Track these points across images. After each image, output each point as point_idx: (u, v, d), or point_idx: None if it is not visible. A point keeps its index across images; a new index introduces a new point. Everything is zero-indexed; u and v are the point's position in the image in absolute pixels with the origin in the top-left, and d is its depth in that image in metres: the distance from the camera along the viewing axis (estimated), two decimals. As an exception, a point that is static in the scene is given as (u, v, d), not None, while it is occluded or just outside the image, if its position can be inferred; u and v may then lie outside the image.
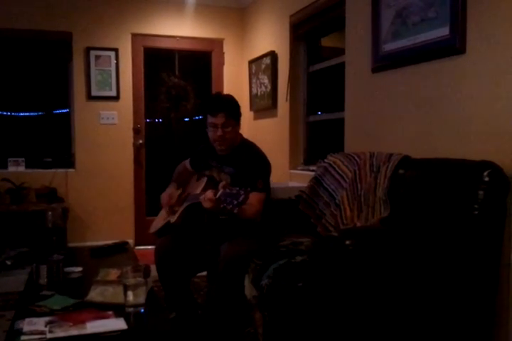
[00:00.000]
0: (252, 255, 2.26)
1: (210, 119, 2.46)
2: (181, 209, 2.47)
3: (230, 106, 2.48)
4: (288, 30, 4.01)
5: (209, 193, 2.18)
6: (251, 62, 4.78)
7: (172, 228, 2.50)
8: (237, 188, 2.07)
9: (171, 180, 2.82)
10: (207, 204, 2.17)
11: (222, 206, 2.07)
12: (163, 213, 2.70)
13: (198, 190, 2.44)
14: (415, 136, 2.48)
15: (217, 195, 2.11)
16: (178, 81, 4.96)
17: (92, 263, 2.46)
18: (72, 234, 4.21)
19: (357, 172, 2.48)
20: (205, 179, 2.51)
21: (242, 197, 2.03)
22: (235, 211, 2.05)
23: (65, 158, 4.71)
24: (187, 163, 2.80)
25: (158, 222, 2.67)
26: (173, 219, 2.48)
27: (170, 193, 2.66)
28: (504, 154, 1.93)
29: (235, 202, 2.03)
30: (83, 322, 1.60)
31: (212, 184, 2.44)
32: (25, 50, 4.56)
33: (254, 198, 2.27)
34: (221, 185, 2.17)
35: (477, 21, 2.08)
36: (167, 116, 5.07)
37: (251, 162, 2.44)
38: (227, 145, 2.50)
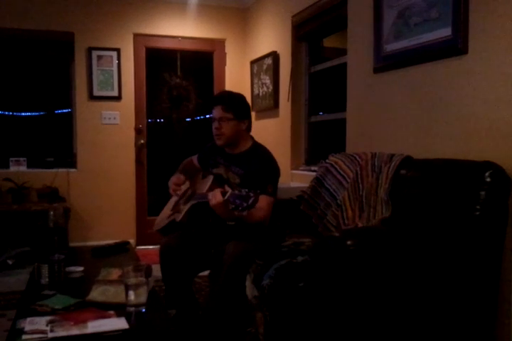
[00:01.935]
0: (256, 255, 2.25)
1: (212, 113, 2.50)
2: (187, 207, 2.44)
3: (228, 100, 2.49)
4: (290, 30, 4.01)
5: (217, 192, 2.14)
6: (253, 63, 4.78)
7: (177, 226, 2.49)
8: (246, 190, 2.03)
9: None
10: (213, 202, 2.14)
11: (231, 208, 2.04)
12: (166, 211, 2.69)
13: (204, 189, 2.42)
14: (417, 137, 2.48)
15: (226, 197, 2.07)
16: (180, 81, 4.97)
17: (93, 262, 2.46)
18: (73, 234, 4.22)
19: (358, 172, 2.48)
20: (211, 177, 2.49)
21: (252, 199, 1.98)
22: (244, 213, 2.03)
23: (67, 158, 4.72)
24: (194, 158, 2.79)
25: (162, 219, 2.66)
26: (178, 217, 2.47)
27: (177, 177, 2.60)
28: (506, 155, 1.93)
29: (245, 205, 1.99)
30: (84, 321, 1.60)
31: (218, 183, 2.42)
32: (27, 50, 4.57)
33: (264, 202, 2.22)
34: (228, 187, 2.15)
35: (479, 22, 2.08)
36: (169, 116, 5.07)
37: (262, 165, 2.42)
38: (224, 141, 2.49)
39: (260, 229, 2.38)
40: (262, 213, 2.26)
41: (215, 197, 2.14)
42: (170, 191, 2.62)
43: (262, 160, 2.46)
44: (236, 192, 2.05)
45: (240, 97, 2.57)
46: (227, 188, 2.17)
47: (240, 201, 2.00)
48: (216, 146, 2.61)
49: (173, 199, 2.69)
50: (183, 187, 2.60)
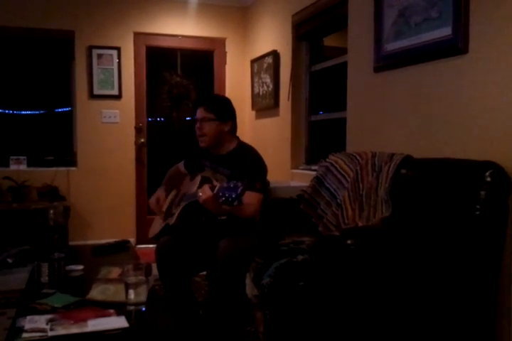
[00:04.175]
0: (252, 251, 2.26)
1: (196, 115, 2.53)
2: (179, 210, 2.45)
3: (210, 101, 2.54)
4: (290, 29, 4.01)
5: (206, 188, 2.16)
6: (253, 62, 4.78)
7: (171, 230, 2.49)
8: (234, 181, 2.05)
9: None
10: (203, 198, 2.16)
11: (221, 201, 2.05)
12: (159, 218, 2.69)
13: (194, 189, 2.43)
14: (417, 136, 2.48)
15: (215, 191, 2.09)
16: (180, 80, 4.96)
17: (93, 261, 2.47)
18: (73, 233, 4.22)
19: (359, 171, 2.48)
20: (199, 177, 2.50)
21: (241, 188, 2.00)
22: (235, 204, 2.04)
23: (67, 157, 4.72)
24: (180, 165, 2.82)
25: (156, 226, 2.66)
26: (171, 221, 2.47)
27: (157, 197, 2.64)
28: (506, 154, 1.93)
29: (234, 195, 2.00)
30: (84, 320, 1.60)
31: (207, 182, 2.43)
32: (27, 49, 4.57)
33: (254, 197, 2.29)
34: (216, 182, 2.16)
35: (480, 21, 2.08)
36: (169, 115, 5.07)
37: (249, 164, 2.44)
38: (207, 143, 2.52)
39: (251, 224, 2.39)
40: (253, 208, 2.30)
41: (204, 192, 2.16)
42: (153, 210, 2.66)
43: (248, 159, 2.47)
44: (224, 184, 2.07)
45: (223, 99, 2.60)
46: (215, 183, 2.18)
47: (230, 192, 2.01)
48: (201, 149, 2.62)
49: (165, 206, 2.69)
50: (166, 202, 2.64)
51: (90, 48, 4.61)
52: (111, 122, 4.72)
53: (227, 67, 5.15)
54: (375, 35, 2.75)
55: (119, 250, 2.71)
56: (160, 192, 2.69)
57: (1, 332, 1.55)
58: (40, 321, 1.60)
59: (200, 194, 2.19)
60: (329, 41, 3.99)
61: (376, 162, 2.42)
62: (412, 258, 1.80)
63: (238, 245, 2.24)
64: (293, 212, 2.77)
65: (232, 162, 2.48)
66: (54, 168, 4.54)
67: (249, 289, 2.19)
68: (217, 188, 2.08)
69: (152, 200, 2.66)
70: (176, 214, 2.44)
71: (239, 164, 2.44)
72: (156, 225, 2.67)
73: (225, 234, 2.34)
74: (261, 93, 4.58)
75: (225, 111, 2.53)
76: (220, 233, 2.38)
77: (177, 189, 2.70)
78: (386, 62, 2.69)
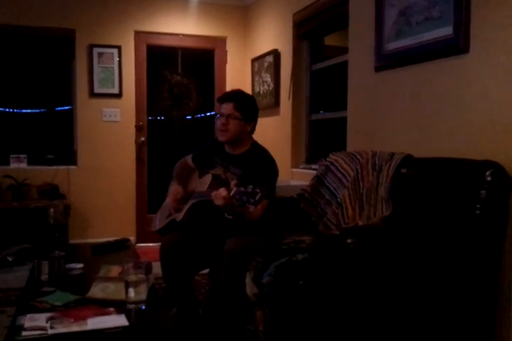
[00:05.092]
0: (257, 251, 2.26)
1: (220, 108, 2.51)
2: (187, 206, 2.44)
3: (241, 100, 2.53)
4: (291, 28, 4.01)
5: (222, 191, 2.15)
6: (254, 61, 4.78)
7: (177, 226, 2.49)
8: (251, 186, 2.05)
9: (171, 177, 2.79)
10: (219, 202, 2.16)
11: (237, 204, 2.05)
12: (163, 211, 2.68)
13: (204, 188, 2.42)
14: (418, 135, 2.48)
15: (232, 193, 2.08)
16: (181, 79, 4.96)
17: (93, 259, 2.46)
18: (73, 231, 4.23)
19: (359, 171, 2.48)
20: (209, 176, 2.49)
21: (259, 195, 2.00)
22: (251, 210, 2.04)
23: (67, 155, 4.72)
24: (188, 158, 2.78)
25: (160, 220, 2.66)
26: (178, 217, 2.47)
27: (175, 189, 2.59)
28: (507, 154, 1.93)
29: (252, 201, 2.00)
30: (84, 318, 1.60)
31: (218, 182, 2.42)
32: (28, 47, 4.57)
33: (259, 204, 2.26)
34: (233, 183, 2.15)
35: (481, 21, 2.08)
36: (169, 114, 5.07)
37: (260, 168, 2.43)
38: (228, 137, 2.49)
39: (257, 224, 2.39)
40: (257, 214, 2.30)
41: (221, 194, 2.14)
42: (171, 204, 2.58)
43: (261, 162, 2.46)
44: (242, 189, 2.06)
45: (252, 100, 2.61)
46: (232, 185, 2.17)
47: (247, 197, 2.01)
48: (214, 146, 2.61)
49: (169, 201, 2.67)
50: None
51: (91, 47, 4.61)
52: (111, 121, 4.72)
53: (228, 66, 5.15)
54: (376, 35, 2.75)
55: (119, 248, 2.70)
56: (175, 186, 2.62)
57: (1, 330, 1.56)
58: (40, 319, 1.60)
59: (215, 194, 2.17)
60: (330, 40, 3.99)
61: (376, 161, 2.43)
62: (412, 257, 1.80)
63: (245, 244, 2.24)
64: (293, 211, 2.77)
65: (244, 162, 2.47)
66: (54, 167, 4.55)
67: (250, 288, 2.19)
68: (233, 192, 2.08)
69: (171, 191, 2.59)
70: (184, 212, 2.43)
71: (251, 166, 2.43)
72: (160, 218, 2.65)
73: (231, 233, 2.34)
74: (261, 92, 4.58)
75: (251, 112, 2.56)
76: (226, 232, 2.37)
77: (184, 183, 2.67)
78: (387, 61, 2.69)
